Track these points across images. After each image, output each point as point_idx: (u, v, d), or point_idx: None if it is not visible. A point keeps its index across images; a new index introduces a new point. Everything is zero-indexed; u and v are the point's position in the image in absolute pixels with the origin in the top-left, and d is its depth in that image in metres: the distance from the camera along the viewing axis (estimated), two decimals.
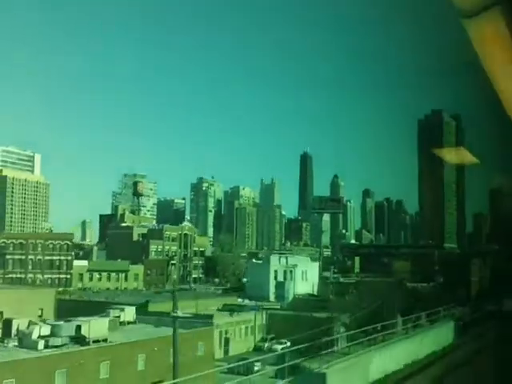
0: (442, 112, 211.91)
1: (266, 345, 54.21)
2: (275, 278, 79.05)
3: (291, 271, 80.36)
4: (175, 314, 23.44)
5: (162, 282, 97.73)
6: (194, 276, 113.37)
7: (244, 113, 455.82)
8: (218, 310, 60.69)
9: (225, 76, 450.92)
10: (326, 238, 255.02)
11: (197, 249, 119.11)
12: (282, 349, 47.35)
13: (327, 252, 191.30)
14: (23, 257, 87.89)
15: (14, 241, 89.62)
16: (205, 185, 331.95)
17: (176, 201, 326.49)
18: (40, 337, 31.46)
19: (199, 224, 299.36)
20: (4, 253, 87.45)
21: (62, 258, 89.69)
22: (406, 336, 28.34)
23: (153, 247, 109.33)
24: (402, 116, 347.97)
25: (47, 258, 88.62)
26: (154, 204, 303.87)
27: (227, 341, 54.31)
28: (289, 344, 46.74)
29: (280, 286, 75.91)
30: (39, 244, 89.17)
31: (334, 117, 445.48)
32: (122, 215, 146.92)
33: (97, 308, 44.38)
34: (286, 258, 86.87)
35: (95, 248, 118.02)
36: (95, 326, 33.21)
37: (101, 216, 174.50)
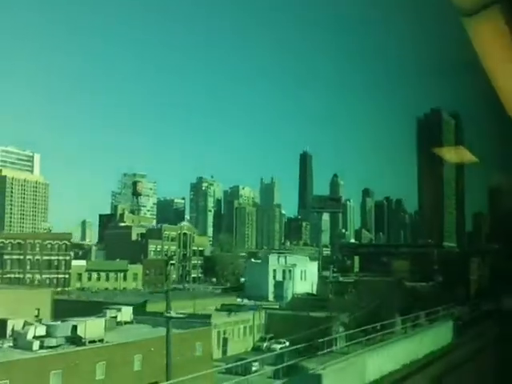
0: (441, 111, 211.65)
1: (265, 345, 54.00)
2: (274, 277, 78.88)
3: (290, 271, 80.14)
4: (168, 315, 23.18)
5: (161, 282, 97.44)
6: (193, 276, 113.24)
7: (243, 112, 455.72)
8: (217, 309, 60.46)
9: (224, 75, 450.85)
10: (325, 238, 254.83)
11: (196, 248, 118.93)
12: (281, 348, 47.31)
13: (327, 251, 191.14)
14: (21, 257, 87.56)
15: (12, 241, 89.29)
16: (204, 184, 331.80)
17: (176, 200, 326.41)
18: (35, 337, 31.23)
19: (199, 224, 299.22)
20: (2, 253, 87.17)
21: (61, 257, 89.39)
22: (403, 336, 28.13)
23: (152, 247, 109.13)
24: (402, 115, 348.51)
25: (45, 257, 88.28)
26: (153, 204, 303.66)
27: (225, 341, 54.04)
28: (288, 344, 46.57)
29: (279, 285, 75.74)
30: (37, 244, 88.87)
31: (333, 116, 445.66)
32: (122, 215, 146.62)
33: (94, 308, 44.16)
34: (285, 257, 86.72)
35: (94, 248, 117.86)
36: (91, 327, 32.97)
37: (100, 216, 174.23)
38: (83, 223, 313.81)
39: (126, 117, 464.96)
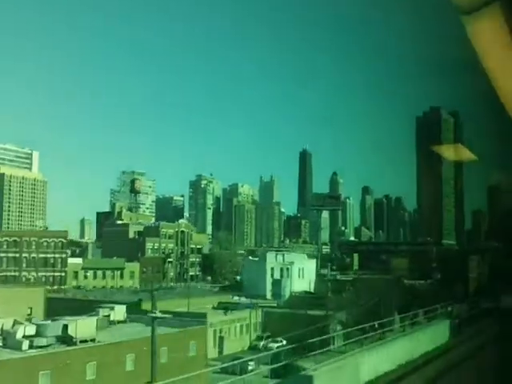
0: (440, 109, 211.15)
1: (262, 343, 53.50)
2: (272, 275, 78.38)
3: (288, 268, 79.64)
4: (154, 315, 22.58)
5: (158, 280, 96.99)
6: (191, 274, 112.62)
7: (243, 110, 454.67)
8: (213, 308, 59.94)
9: (224, 74, 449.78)
10: (325, 235, 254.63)
11: (194, 246, 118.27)
12: (278, 347, 46.78)
13: (326, 249, 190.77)
14: (17, 255, 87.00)
15: (7, 238, 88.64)
16: (203, 182, 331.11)
17: (175, 198, 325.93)
18: (25, 336, 30.62)
19: (198, 221, 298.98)
20: None
21: (57, 255, 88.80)
22: (401, 334, 27.50)
23: (149, 245, 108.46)
24: (401, 113, 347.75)
25: (41, 255, 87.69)
26: (152, 201, 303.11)
27: (222, 339, 53.48)
28: (285, 342, 46.05)
29: (276, 283, 75.20)
30: (33, 242, 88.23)
31: (333, 114, 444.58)
32: (120, 213, 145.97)
33: (88, 306, 43.62)
34: (283, 255, 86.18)
35: (90, 246, 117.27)
36: (82, 326, 32.35)
37: (98, 214, 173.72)
38: (82, 221, 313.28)
39: (126, 116, 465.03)
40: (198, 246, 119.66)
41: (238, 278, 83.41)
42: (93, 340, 32.42)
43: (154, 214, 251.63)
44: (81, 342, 31.55)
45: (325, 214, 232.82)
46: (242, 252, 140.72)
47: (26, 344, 29.71)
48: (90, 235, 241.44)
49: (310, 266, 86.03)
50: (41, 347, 30.03)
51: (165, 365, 34.21)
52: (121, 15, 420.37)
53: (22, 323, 32.75)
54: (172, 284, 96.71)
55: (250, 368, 32.46)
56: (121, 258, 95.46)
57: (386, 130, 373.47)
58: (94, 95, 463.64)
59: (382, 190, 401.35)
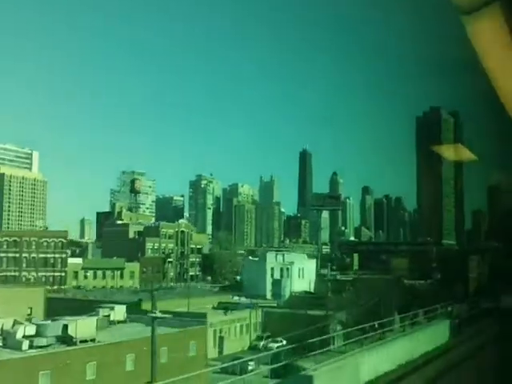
0: (440, 109, 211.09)
1: (262, 343, 53.48)
2: (272, 275, 78.35)
3: (288, 268, 79.61)
4: (154, 315, 22.56)
5: (158, 280, 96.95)
6: (191, 274, 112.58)
7: (243, 110, 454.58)
8: (214, 308, 59.92)
9: (224, 73, 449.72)
10: (325, 235, 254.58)
11: (194, 246, 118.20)
12: (278, 347, 46.78)
13: (326, 249, 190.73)
14: (17, 255, 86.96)
15: (7, 238, 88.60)
16: (203, 182, 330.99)
17: (175, 198, 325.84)
18: (25, 336, 30.60)
19: (198, 221, 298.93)
20: None
21: (57, 255, 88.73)
22: (401, 334, 27.47)
23: (149, 245, 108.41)
24: (401, 113, 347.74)
25: (41, 255, 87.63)
26: (152, 201, 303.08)
27: (222, 339, 53.46)
28: (285, 342, 46.06)
29: (276, 283, 75.18)
30: (33, 242, 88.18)
31: (333, 114, 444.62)
32: (120, 213, 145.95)
33: (88, 306, 43.59)
34: (283, 255, 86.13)
35: (90, 246, 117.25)
36: (82, 326, 32.32)
37: (98, 214, 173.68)
38: (82, 221, 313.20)
39: (126, 116, 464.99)
40: (198, 246, 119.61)
41: (238, 277, 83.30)
42: (93, 340, 32.40)
43: (154, 214, 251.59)
44: (81, 342, 31.53)
45: (325, 214, 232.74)
46: (242, 252, 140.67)
47: (26, 344, 29.70)
48: (90, 235, 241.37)
49: (309, 266, 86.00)
50: (41, 347, 30.02)
51: (165, 365, 34.22)
52: (121, 15, 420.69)
53: (22, 323, 32.74)
54: (172, 284, 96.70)
55: (249, 368, 32.47)
56: (121, 258, 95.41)
57: (385, 129, 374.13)
58: (94, 95, 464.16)
59: (382, 189, 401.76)
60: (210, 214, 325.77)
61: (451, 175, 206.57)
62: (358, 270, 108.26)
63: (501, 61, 2.97)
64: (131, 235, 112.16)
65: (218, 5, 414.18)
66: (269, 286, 75.49)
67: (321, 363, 19.46)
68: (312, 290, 77.24)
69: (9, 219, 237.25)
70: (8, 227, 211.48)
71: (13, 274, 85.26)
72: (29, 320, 35.61)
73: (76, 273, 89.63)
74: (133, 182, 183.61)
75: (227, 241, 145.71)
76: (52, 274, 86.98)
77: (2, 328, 32.21)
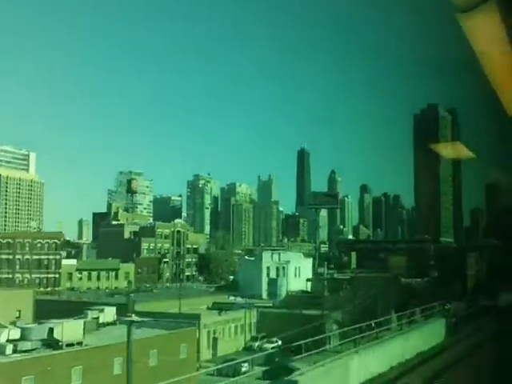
0: (437, 106, 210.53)
1: (257, 344, 52.74)
2: (268, 274, 77.55)
3: (284, 268, 78.79)
4: (130, 319, 21.69)
5: (153, 281, 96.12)
6: (187, 274, 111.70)
7: (241, 109, 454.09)
8: (208, 308, 59.14)
9: (223, 73, 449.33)
10: (323, 234, 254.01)
11: (190, 246, 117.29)
12: (273, 348, 46.04)
13: (325, 248, 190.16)
14: (11, 256, 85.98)
15: (1, 240, 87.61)
16: (201, 182, 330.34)
17: (173, 198, 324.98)
18: (8, 341, 29.69)
19: (196, 221, 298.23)
20: None
21: (51, 257, 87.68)
22: (398, 333, 26.70)
23: (145, 245, 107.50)
24: (399, 111, 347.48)
25: (35, 257, 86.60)
26: (150, 201, 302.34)
27: (216, 341, 52.59)
28: (280, 343, 45.32)
29: (272, 282, 74.41)
30: (27, 243, 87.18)
31: (331, 113, 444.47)
32: (116, 213, 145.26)
33: (80, 308, 42.63)
34: (279, 254, 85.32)
35: (85, 246, 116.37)
36: (69, 329, 31.39)
37: (94, 214, 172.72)
38: (80, 222, 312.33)
39: (126, 116, 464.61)
40: (194, 246, 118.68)
41: (232, 277, 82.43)
42: (80, 343, 31.49)
43: (151, 214, 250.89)
44: (67, 345, 30.62)
45: (323, 213, 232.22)
46: (240, 251, 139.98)
47: (9, 348, 28.77)
48: (88, 236, 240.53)
49: (306, 265, 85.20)
50: (25, 351, 29.10)
51: (154, 368, 33.40)
52: (121, 15, 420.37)
53: (6, 327, 31.83)
54: (168, 284, 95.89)
55: (243, 370, 31.74)
56: (116, 258, 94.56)
57: (384, 128, 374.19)
58: (94, 95, 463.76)
59: (381, 188, 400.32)
60: (207, 213, 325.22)
61: (449, 173, 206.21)
62: (355, 268, 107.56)
63: (498, 58, 3.01)
64: (127, 236, 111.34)
65: (218, 5, 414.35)
66: (265, 286, 74.73)
67: (315, 364, 18.63)
68: (308, 289, 76.50)
69: (5, 220, 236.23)
70: (4, 229, 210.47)
71: (6, 276, 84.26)
72: (13, 323, 34.64)
73: (70, 274, 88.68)
74: (129, 182, 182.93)
75: (225, 240, 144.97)
76: (46, 275, 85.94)
77: None
